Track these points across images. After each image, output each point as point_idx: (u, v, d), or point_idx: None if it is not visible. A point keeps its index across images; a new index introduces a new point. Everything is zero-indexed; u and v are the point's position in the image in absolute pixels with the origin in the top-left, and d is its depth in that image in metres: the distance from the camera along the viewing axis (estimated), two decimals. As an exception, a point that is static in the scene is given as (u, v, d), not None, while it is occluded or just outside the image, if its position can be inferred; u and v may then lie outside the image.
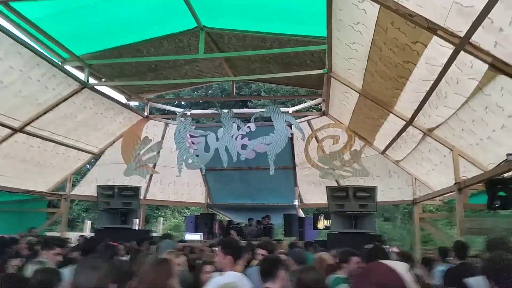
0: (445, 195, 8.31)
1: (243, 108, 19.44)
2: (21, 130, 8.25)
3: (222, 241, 3.58)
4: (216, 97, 23.08)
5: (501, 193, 5.77)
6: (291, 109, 11.49)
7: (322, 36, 6.56)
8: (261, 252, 4.25)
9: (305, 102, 12.01)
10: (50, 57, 7.55)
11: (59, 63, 8.00)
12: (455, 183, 6.72)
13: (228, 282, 2.92)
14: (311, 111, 13.76)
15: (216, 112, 10.56)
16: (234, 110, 10.11)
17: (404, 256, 5.30)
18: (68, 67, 8.22)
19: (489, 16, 3.44)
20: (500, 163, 5.30)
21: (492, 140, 5.44)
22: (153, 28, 7.96)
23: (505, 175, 5.52)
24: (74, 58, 8.10)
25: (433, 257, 6.21)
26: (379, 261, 1.59)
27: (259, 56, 8.82)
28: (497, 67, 3.94)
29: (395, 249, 15.96)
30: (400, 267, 1.50)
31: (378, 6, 4.51)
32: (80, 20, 7.04)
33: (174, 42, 8.60)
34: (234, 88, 12.17)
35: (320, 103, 10.77)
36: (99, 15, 6.96)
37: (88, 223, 19.66)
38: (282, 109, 10.12)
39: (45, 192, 10.72)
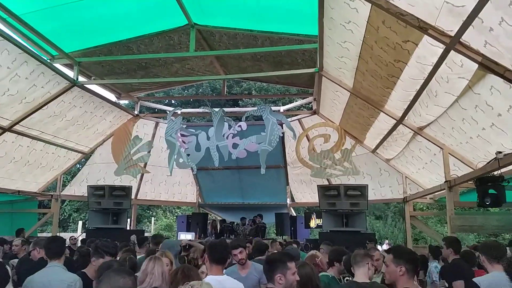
0: (436, 193, 8.39)
1: (234, 107, 19.41)
2: (9, 129, 8.12)
3: (208, 243, 3.51)
4: (207, 96, 23.02)
5: (491, 191, 5.81)
6: (282, 108, 11.50)
7: (314, 35, 6.57)
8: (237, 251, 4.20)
9: (296, 101, 12.00)
10: (38, 54, 7.41)
11: (48, 60, 7.87)
12: (445, 181, 6.79)
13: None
14: (302, 110, 13.78)
15: (207, 111, 10.52)
16: (225, 109, 10.08)
17: None
18: (57, 65, 8.08)
19: (479, 16, 3.45)
20: (490, 161, 5.36)
21: (482, 138, 5.50)
22: (144, 25, 7.88)
23: (495, 173, 5.57)
24: (63, 55, 7.95)
25: (427, 254, 6.32)
26: None
27: (250, 54, 8.81)
28: (487, 66, 3.96)
29: (386, 246, 16.05)
30: None
31: (370, 5, 4.51)
32: (69, 17, 6.91)
33: (165, 40, 8.53)
34: (225, 87, 12.11)
35: (311, 102, 10.78)
36: (89, 11, 6.84)
37: (80, 224, 19.52)
38: (273, 108, 10.12)
39: (35, 193, 10.59)
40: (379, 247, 15.62)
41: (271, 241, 7.84)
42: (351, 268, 3.32)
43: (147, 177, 12.28)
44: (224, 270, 3.40)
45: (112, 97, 10.76)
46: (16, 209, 10.84)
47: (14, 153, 8.82)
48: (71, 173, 17.11)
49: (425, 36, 4.29)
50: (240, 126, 9.46)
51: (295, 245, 6.54)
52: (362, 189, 8.98)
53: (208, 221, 12.52)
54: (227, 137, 9.49)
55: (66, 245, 3.77)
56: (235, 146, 9.44)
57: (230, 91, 22.67)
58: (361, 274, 3.11)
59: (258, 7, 6.87)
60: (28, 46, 7.14)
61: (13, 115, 7.92)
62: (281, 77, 9.77)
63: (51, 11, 6.56)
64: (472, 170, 6.21)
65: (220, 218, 14.12)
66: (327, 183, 10.79)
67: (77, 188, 11.55)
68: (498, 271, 3.27)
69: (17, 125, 8.16)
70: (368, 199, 9.07)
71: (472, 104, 4.99)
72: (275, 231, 12.66)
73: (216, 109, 9.75)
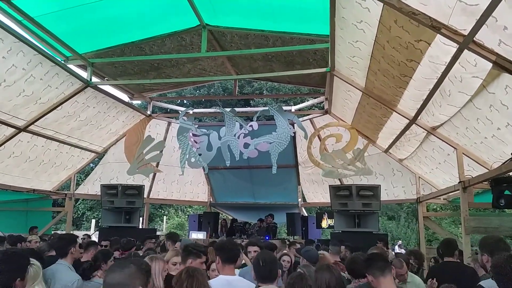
0: (450, 193, 8.27)
1: (245, 107, 19.45)
2: (25, 129, 8.29)
3: (216, 242, 3.48)
4: (219, 96, 23.11)
5: (507, 192, 5.70)
6: (293, 108, 11.46)
7: (325, 34, 6.55)
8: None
9: (308, 100, 11.96)
10: (53, 55, 7.53)
11: (62, 61, 8.00)
12: (459, 182, 6.68)
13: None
14: (313, 109, 13.73)
15: (218, 111, 10.56)
16: (237, 109, 10.10)
17: (416, 255, 5.29)
18: (71, 66, 8.21)
19: (493, 14, 3.40)
20: (505, 162, 5.26)
21: (497, 138, 5.39)
22: (156, 26, 7.95)
23: (511, 173, 5.46)
24: (76, 56, 8.08)
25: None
26: None
27: (262, 54, 8.81)
28: (502, 65, 3.90)
29: (398, 246, 15.83)
30: None
31: (382, 4, 4.48)
32: (82, 18, 7.02)
33: (177, 41, 8.59)
34: (237, 87, 12.14)
35: (322, 102, 10.73)
36: (102, 13, 6.94)
37: (93, 222, 19.80)
38: (285, 108, 10.10)
39: (50, 191, 10.77)
40: (396, 248, 15.45)
41: (281, 241, 7.86)
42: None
43: (159, 177, 12.39)
44: (239, 270, 3.38)
45: (125, 97, 10.90)
46: (31, 208, 11.08)
47: (29, 152, 9.01)
48: (84, 172, 17.37)
49: (438, 35, 4.24)
50: (251, 126, 9.46)
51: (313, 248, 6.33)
52: (374, 190, 8.88)
53: (220, 221, 12.56)
54: (238, 137, 9.52)
55: (75, 244, 3.76)
56: (246, 145, 9.45)
57: (241, 91, 22.72)
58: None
59: (270, 7, 6.86)
60: (43, 47, 7.27)
61: (28, 115, 8.08)
62: (292, 77, 9.75)
63: (65, 13, 6.66)
64: (487, 170, 6.09)
65: (231, 218, 14.16)
66: (339, 183, 10.73)
67: (91, 187, 11.71)
68: None
69: (32, 125, 8.33)
70: (381, 199, 8.96)
71: (487, 104, 4.89)
72: (286, 231, 12.64)
73: (228, 109, 9.78)
